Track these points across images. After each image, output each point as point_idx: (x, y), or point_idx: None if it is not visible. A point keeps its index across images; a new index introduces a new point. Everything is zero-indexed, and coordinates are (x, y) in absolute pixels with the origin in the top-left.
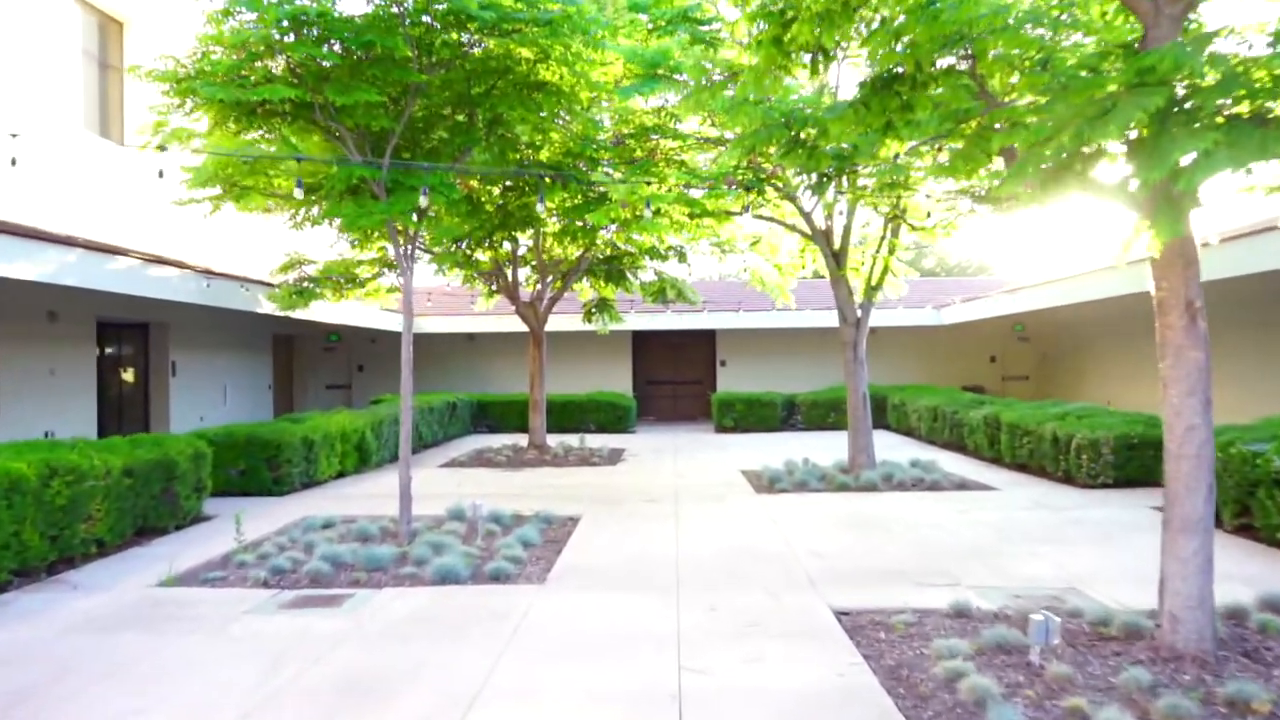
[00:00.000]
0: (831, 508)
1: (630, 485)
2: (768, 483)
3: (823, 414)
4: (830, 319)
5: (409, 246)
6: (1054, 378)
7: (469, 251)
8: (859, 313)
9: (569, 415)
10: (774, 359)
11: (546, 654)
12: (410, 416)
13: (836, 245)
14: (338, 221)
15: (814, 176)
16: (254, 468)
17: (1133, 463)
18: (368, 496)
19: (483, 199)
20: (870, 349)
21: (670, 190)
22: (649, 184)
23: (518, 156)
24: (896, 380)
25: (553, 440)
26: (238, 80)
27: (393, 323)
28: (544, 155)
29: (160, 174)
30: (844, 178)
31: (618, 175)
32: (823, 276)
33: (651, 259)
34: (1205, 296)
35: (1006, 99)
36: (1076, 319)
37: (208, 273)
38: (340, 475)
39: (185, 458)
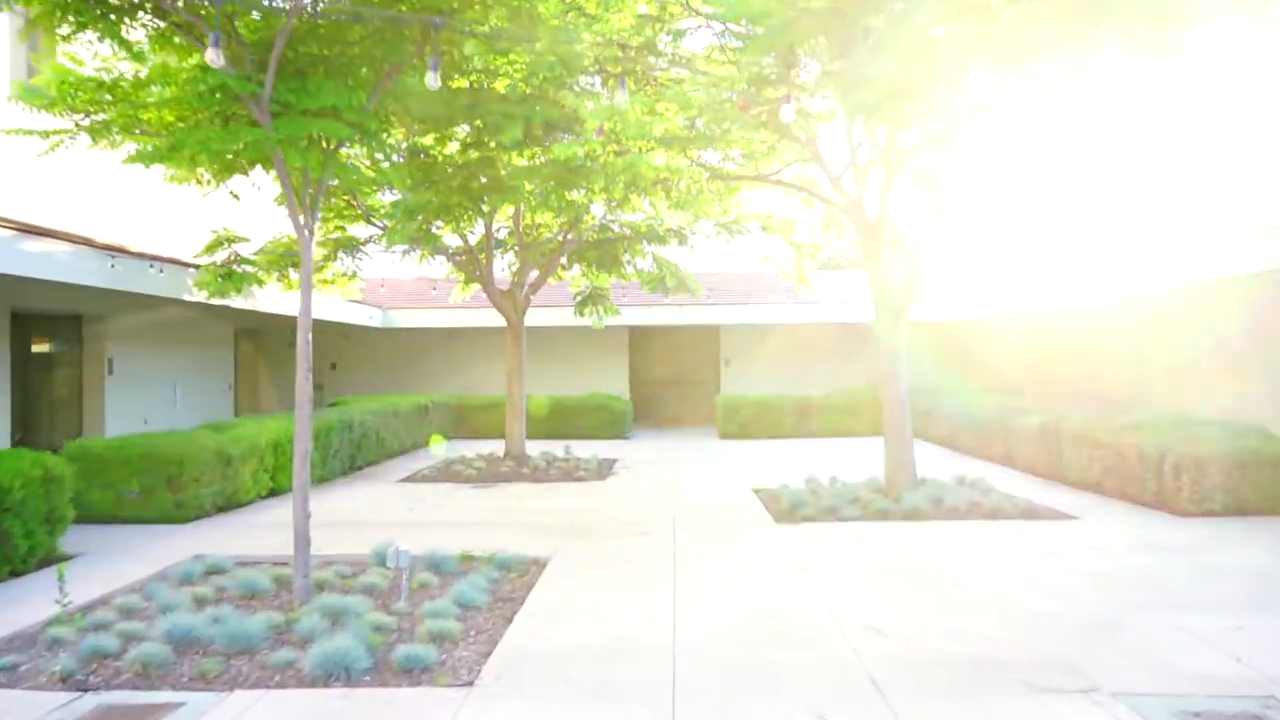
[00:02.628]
0: (876, 546)
1: (619, 510)
2: (789, 508)
3: (840, 419)
4: (852, 313)
5: (311, 199)
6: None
7: (425, 225)
8: (899, 299)
9: (558, 420)
10: (783, 358)
11: None
12: (307, 430)
13: (871, 217)
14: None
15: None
16: (152, 488)
17: (1245, 486)
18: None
19: (436, 156)
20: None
21: (652, 116)
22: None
23: (468, 83)
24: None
25: (537, 448)
26: None
27: (361, 316)
28: (501, 85)
29: None
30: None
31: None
32: (834, 269)
33: (649, 242)
34: None
35: None
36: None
37: (113, 250)
38: (272, 494)
39: (25, 482)
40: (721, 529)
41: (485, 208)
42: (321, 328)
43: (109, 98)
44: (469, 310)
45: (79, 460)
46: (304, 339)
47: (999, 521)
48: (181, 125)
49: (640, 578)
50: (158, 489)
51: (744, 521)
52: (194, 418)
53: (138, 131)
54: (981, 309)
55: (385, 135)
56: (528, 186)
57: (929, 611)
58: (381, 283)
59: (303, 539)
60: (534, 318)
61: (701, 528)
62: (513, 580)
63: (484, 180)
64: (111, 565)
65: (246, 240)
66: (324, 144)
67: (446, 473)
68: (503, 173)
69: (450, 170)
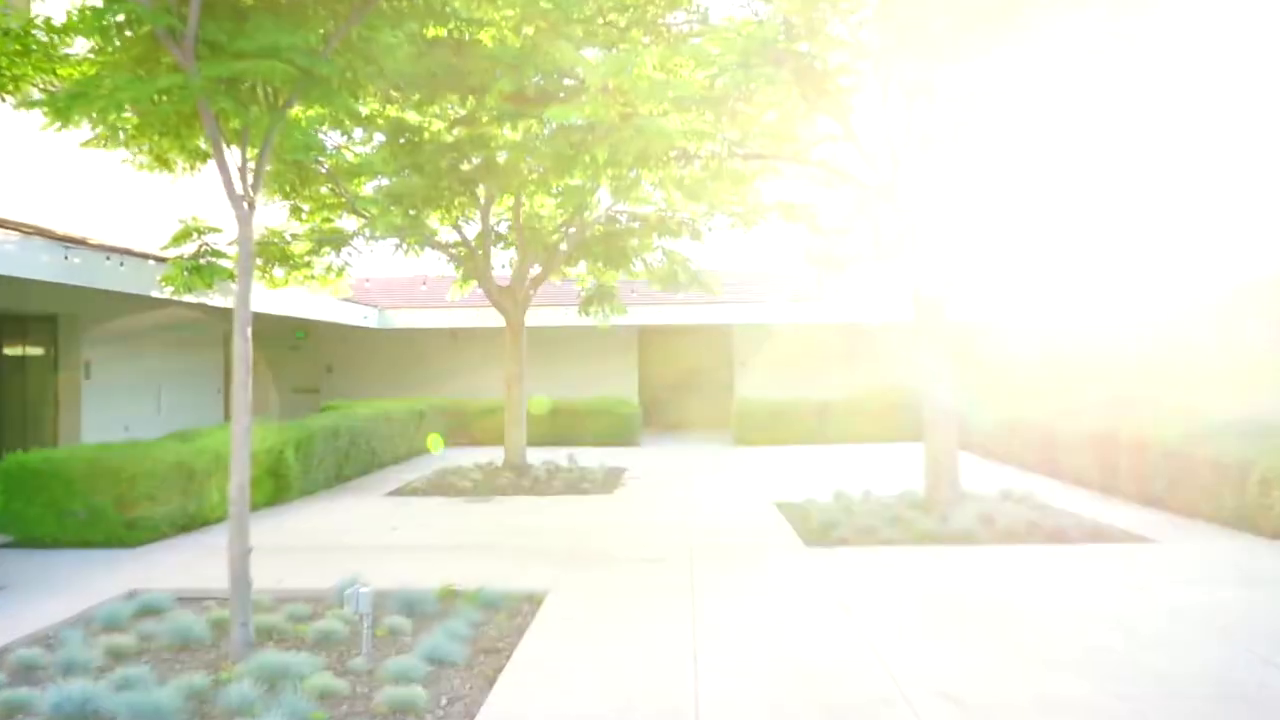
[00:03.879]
0: (927, 577)
1: (626, 530)
2: (819, 528)
3: (862, 424)
4: (874, 311)
5: (254, 168)
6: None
7: (412, 213)
8: (940, 292)
9: (563, 425)
10: (800, 359)
11: None
12: (245, 450)
13: (909, 201)
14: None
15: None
16: (99, 508)
17: None
18: (259, 550)
19: (423, 133)
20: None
21: (667, 72)
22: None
23: (446, 32)
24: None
25: (540, 456)
26: None
27: (355, 315)
28: (488, 36)
29: None
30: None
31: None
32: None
33: (659, 236)
34: None
35: None
36: None
37: (69, 241)
38: None
39: None
40: (744, 555)
41: (480, 195)
42: (316, 328)
43: (17, 47)
44: (470, 309)
45: (14, 475)
46: (242, 336)
47: (1065, 546)
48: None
49: (652, 621)
50: (105, 508)
51: (769, 544)
52: (180, 424)
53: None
54: (1011, 308)
55: (353, 99)
56: (524, 169)
57: (1009, 670)
58: (366, 280)
59: (241, 581)
60: (538, 317)
61: (721, 553)
62: (500, 624)
63: (475, 162)
64: (29, 602)
65: (219, 231)
66: (268, 97)
67: (439, 485)
68: (496, 153)
69: (437, 151)
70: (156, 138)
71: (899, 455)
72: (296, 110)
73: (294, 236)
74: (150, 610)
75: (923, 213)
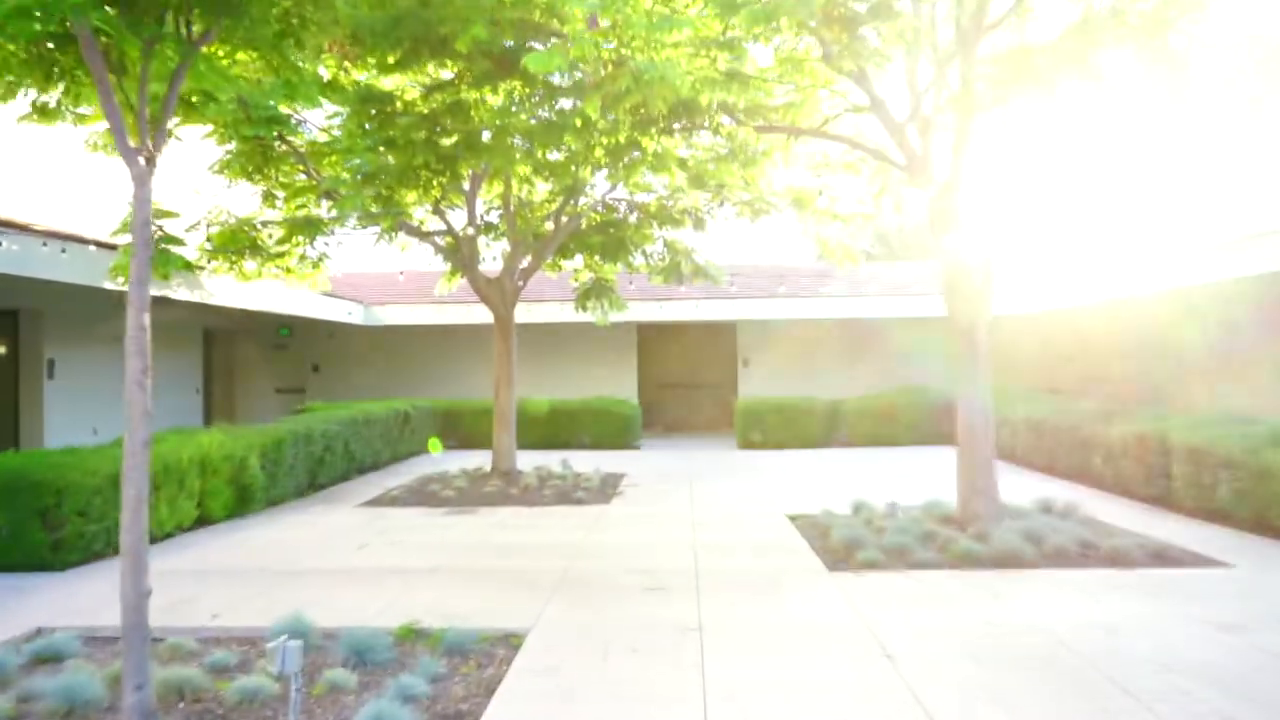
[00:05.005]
0: (975, 611)
1: (624, 548)
2: (842, 547)
3: (876, 426)
4: (898, 306)
5: (154, 113)
6: (1148, 380)
7: (386, 191)
8: (977, 284)
9: (559, 427)
10: (808, 357)
11: None
12: (143, 462)
13: (941, 180)
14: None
15: None
16: (23, 525)
17: None
18: (202, 574)
19: (395, 102)
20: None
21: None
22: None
23: None
24: (938, 380)
25: (533, 460)
26: None
27: (339, 311)
28: None
29: None
30: None
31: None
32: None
33: (660, 225)
34: None
35: None
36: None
37: (2, 226)
38: (200, 523)
39: None
40: (759, 582)
41: (463, 174)
42: (300, 326)
43: None
44: (462, 305)
45: None
46: (138, 325)
47: (1127, 571)
48: None
49: (653, 674)
50: (29, 526)
51: (787, 568)
52: (154, 427)
53: None
54: (1033, 297)
55: (298, 46)
56: (509, 141)
57: None
58: (351, 274)
59: (135, 633)
60: (533, 314)
61: (732, 580)
62: (467, 678)
63: (455, 135)
64: None
65: (175, 215)
66: (177, 25)
67: (420, 493)
68: (477, 123)
69: (411, 124)
70: (31, 76)
71: (917, 460)
72: (240, 67)
73: (264, 224)
74: (49, 657)
75: (959, 194)
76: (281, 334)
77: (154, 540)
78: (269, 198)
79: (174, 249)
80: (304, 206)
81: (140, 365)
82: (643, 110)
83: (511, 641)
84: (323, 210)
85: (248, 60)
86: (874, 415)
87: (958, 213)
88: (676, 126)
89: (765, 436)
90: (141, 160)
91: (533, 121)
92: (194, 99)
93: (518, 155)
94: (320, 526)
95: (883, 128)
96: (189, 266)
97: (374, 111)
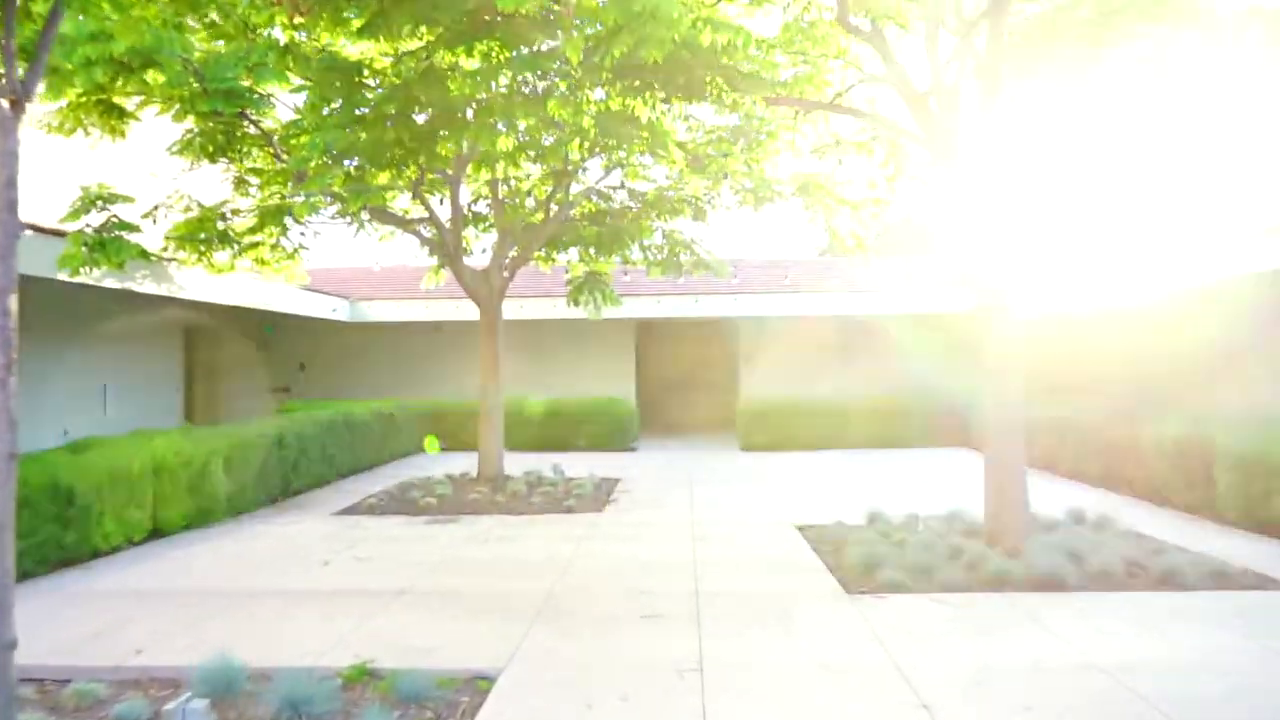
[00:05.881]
0: (1024, 650)
1: (616, 568)
2: (859, 565)
3: (883, 427)
4: (905, 302)
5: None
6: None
7: (357, 172)
8: (1009, 276)
9: (554, 428)
10: (811, 355)
11: None
12: (9, 480)
13: (967, 158)
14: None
15: None
16: None
17: None
18: (140, 596)
19: (365, 73)
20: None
21: None
22: None
23: None
24: (951, 380)
25: (525, 462)
26: None
27: (323, 307)
28: None
29: None
30: None
31: None
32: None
33: (658, 216)
34: None
35: None
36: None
37: None
38: (154, 535)
39: None
40: (768, 608)
41: (441, 154)
42: (285, 323)
43: None
44: (450, 301)
45: None
46: (3, 320)
47: (1184, 595)
48: None
49: None
50: None
51: (799, 591)
52: (131, 427)
53: None
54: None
55: None
56: (489, 118)
57: None
58: (329, 272)
59: None
60: (526, 310)
61: (737, 606)
62: None
63: (429, 108)
64: None
65: (130, 200)
66: None
67: (400, 500)
68: (454, 94)
69: (382, 94)
70: None
71: (928, 462)
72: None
73: (234, 212)
74: None
75: (984, 172)
76: (266, 331)
77: (98, 555)
78: (241, 184)
79: (129, 236)
80: (280, 194)
81: (3, 361)
82: (635, 60)
83: (479, 686)
84: (296, 196)
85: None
86: (881, 415)
87: (983, 192)
88: (664, 99)
89: (768, 438)
90: (4, 104)
91: (514, 87)
92: (133, 63)
93: (500, 128)
94: (285, 538)
95: (900, 99)
96: (144, 255)
97: (339, 84)
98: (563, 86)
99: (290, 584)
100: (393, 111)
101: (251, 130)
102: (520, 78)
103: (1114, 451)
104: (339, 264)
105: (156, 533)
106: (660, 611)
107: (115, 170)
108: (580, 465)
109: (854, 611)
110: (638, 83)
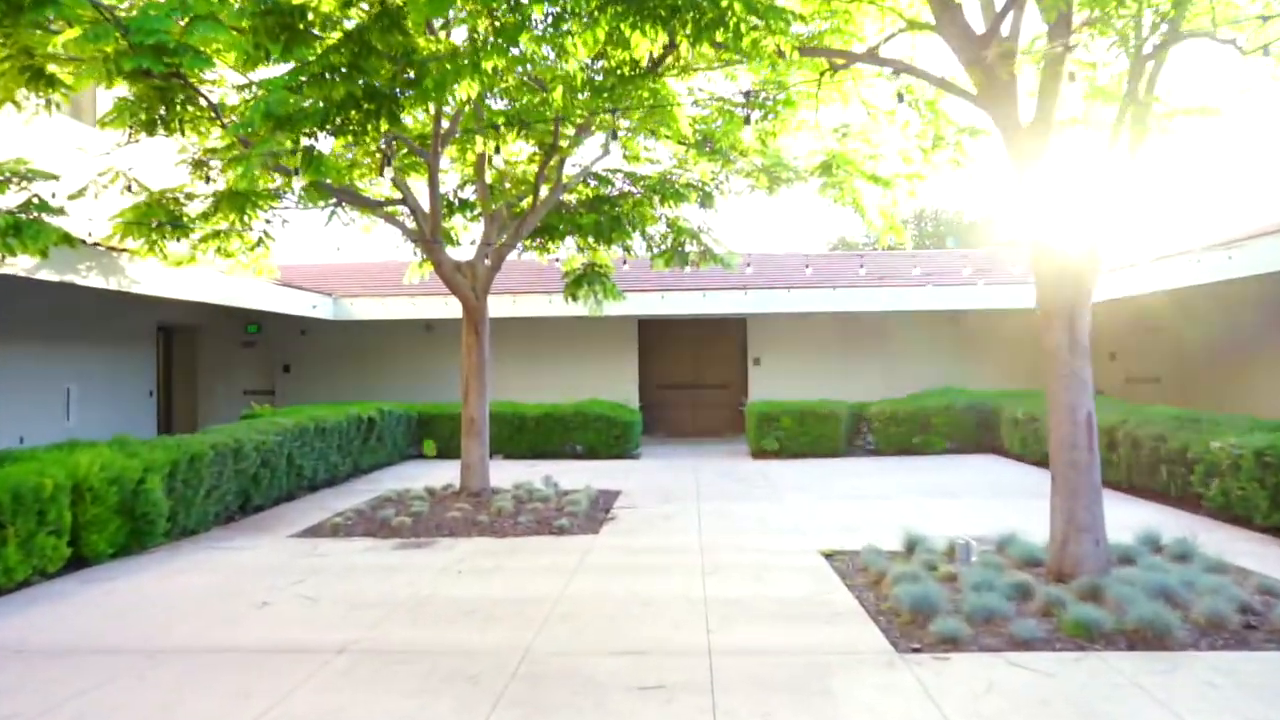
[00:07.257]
0: None
1: (610, 613)
2: (907, 611)
3: (906, 433)
4: (930, 298)
5: None
6: (1194, 381)
7: (305, 134)
8: (1081, 264)
9: (550, 433)
10: (827, 355)
11: None
12: None
13: (1028, 121)
14: None
15: None
16: None
17: None
18: (17, 657)
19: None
20: (931, 340)
21: None
22: None
23: None
24: (972, 381)
25: (515, 472)
26: None
27: (303, 304)
28: None
29: None
30: None
31: None
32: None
33: (662, 201)
34: None
35: None
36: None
37: None
38: (76, 564)
39: None
40: (798, 676)
41: (402, 116)
42: (268, 322)
43: None
44: (439, 297)
45: None
46: None
47: None
48: None
49: None
50: None
51: (836, 647)
52: (98, 433)
53: None
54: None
55: None
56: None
57: None
58: (313, 267)
59: None
60: (522, 306)
61: (761, 668)
62: None
63: (385, 63)
64: None
65: (55, 178)
66: None
67: (370, 519)
68: (414, 39)
69: (332, 44)
70: None
71: (958, 472)
72: None
73: (189, 196)
74: None
75: (1052, 135)
76: (250, 331)
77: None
78: (200, 167)
79: (51, 219)
80: (245, 177)
81: None
82: None
83: None
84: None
85: None
86: (904, 420)
87: (1051, 162)
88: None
89: (781, 444)
90: None
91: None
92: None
93: (467, 70)
94: (227, 568)
95: (950, 48)
96: (69, 241)
97: (279, 31)
98: (538, 12)
99: (209, 637)
100: (344, 66)
101: (200, 99)
102: (491, 9)
103: (1176, 463)
104: (320, 260)
105: (80, 561)
106: (663, 680)
107: (71, 156)
108: (577, 475)
109: (911, 681)
110: (634, 9)
